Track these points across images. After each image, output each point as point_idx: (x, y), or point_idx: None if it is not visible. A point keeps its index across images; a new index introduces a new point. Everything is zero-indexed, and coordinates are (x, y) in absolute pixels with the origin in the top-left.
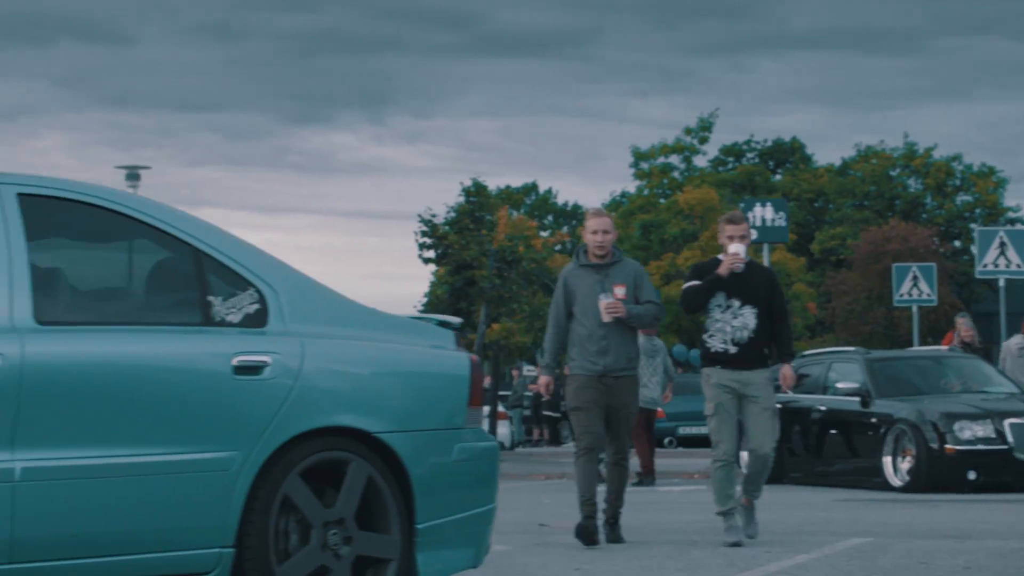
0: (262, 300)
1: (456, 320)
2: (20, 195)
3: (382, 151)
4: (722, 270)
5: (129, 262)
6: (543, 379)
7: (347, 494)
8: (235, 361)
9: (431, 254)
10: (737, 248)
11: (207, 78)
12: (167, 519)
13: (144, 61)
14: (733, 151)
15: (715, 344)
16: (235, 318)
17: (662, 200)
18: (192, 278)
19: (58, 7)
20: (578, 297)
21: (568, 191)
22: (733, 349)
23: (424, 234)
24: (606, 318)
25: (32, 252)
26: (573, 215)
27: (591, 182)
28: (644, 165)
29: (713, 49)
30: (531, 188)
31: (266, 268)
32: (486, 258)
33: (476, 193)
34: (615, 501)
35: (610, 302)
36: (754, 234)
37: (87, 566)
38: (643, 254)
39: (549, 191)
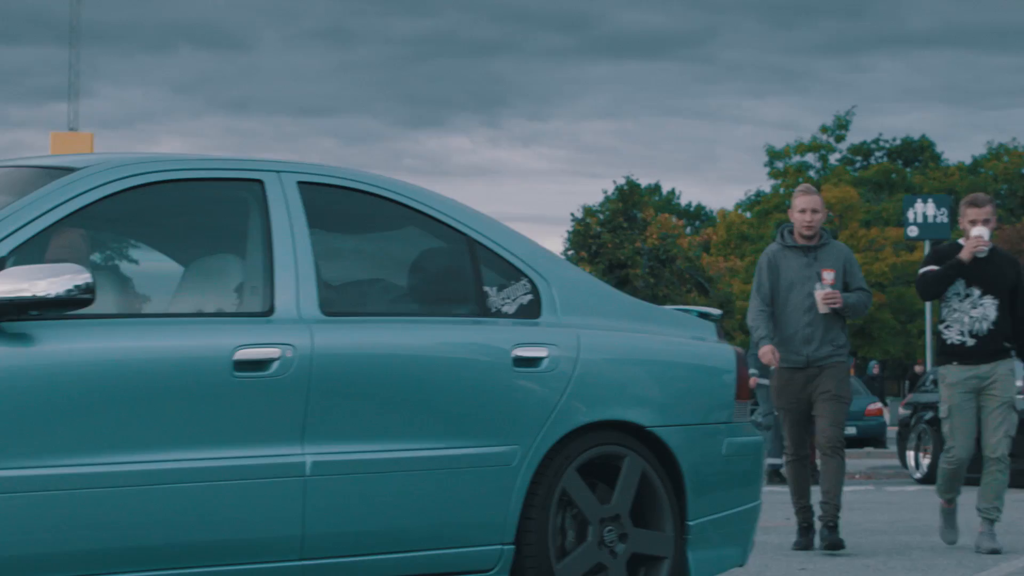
0: (535, 291)
1: (716, 312)
2: (300, 184)
3: (497, 154)
4: (964, 255)
5: (406, 251)
6: (765, 348)
7: (622, 490)
8: (515, 353)
9: (582, 253)
10: (980, 231)
11: (323, 83)
12: (451, 515)
13: (261, 67)
14: (861, 150)
15: (951, 336)
16: (510, 309)
17: None
18: (467, 268)
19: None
20: (783, 281)
21: (685, 192)
22: (971, 341)
23: (578, 233)
24: (823, 309)
25: (315, 241)
26: (697, 215)
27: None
28: (779, 164)
29: (831, 49)
30: (654, 189)
31: (537, 258)
32: (640, 257)
33: (630, 192)
34: (833, 499)
35: (827, 292)
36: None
37: (374, 563)
38: None
39: (672, 191)
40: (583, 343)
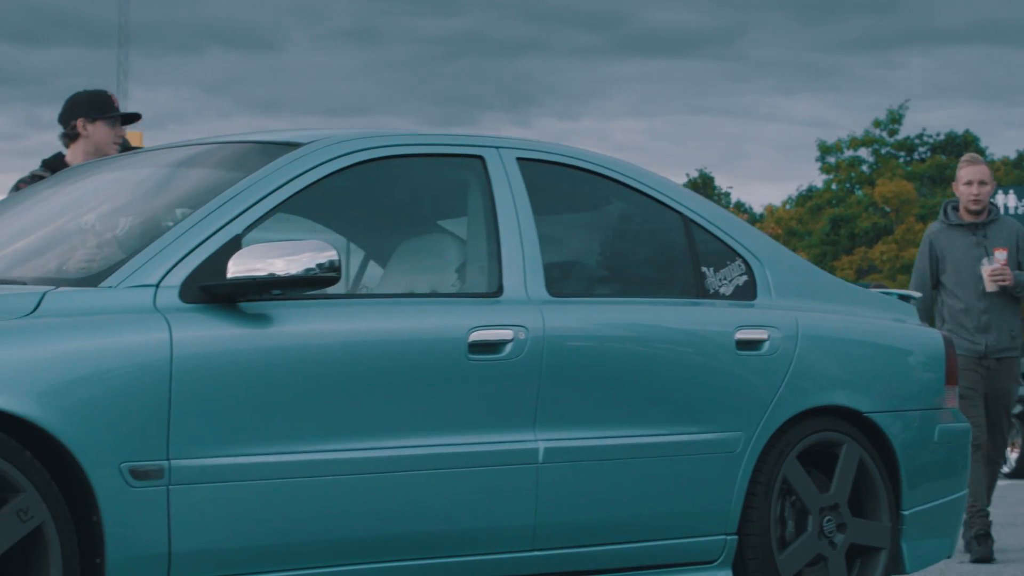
0: (749, 272)
1: (916, 294)
2: (519, 160)
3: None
4: (988, 287)
5: (624, 230)
6: None
7: (840, 478)
8: (738, 336)
9: None
10: (996, 262)
11: (352, 83)
12: (676, 504)
13: (290, 67)
14: (905, 145)
15: None
16: (727, 291)
17: (857, 192)
18: (685, 248)
19: (207, 15)
20: (949, 263)
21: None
22: None
23: None
24: (990, 287)
25: (537, 220)
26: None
27: (738, 180)
28: (830, 159)
29: (861, 45)
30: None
31: (749, 239)
32: None
33: (703, 184)
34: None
35: (995, 267)
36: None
37: (601, 554)
38: (832, 248)
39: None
40: (801, 326)
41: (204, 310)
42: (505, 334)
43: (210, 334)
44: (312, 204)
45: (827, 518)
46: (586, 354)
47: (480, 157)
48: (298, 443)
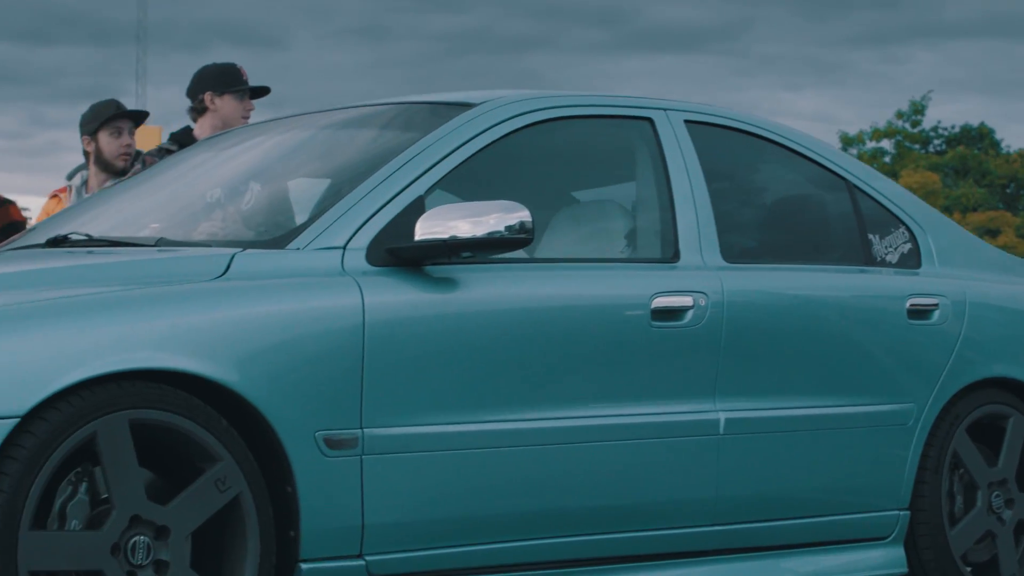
0: (913, 239)
1: None
2: (687, 123)
3: None
4: None
5: (792, 195)
6: None
7: (1008, 452)
8: (909, 304)
9: None
10: None
11: (358, 81)
12: (850, 478)
13: (296, 64)
14: (919, 138)
15: None
16: (893, 258)
17: None
18: (851, 215)
19: (213, 13)
20: None
21: None
22: None
23: None
24: None
25: (708, 184)
26: None
27: None
28: (852, 151)
29: (866, 40)
30: None
31: (912, 206)
32: None
33: None
34: None
35: None
36: None
37: (778, 529)
38: None
39: None
40: (969, 295)
41: (391, 273)
42: (686, 301)
43: (400, 298)
44: (484, 166)
45: (995, 493)
46: (764, 322)
47: (649, 119)
48: (486, 412)
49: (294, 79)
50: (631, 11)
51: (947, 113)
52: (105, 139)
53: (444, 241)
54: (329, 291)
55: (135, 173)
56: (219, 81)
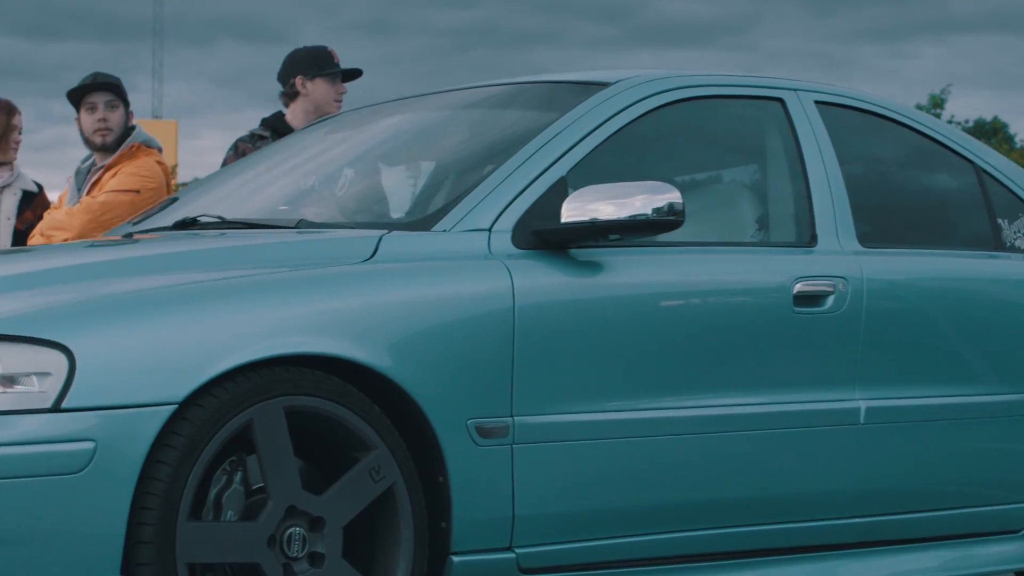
0: None
1: None
2: (817, 103)
3: None
4: None
5: (921, 178)
6: None
7: None
8: None
9: None
10: None
11: (364, 75)
12: (985, 469)
13: None
14: None
15: None
16: (1022, 243)
17: None
18: (980, 199)
19: (218, 8)
20: None
21: None
22: None
23: None
24: None
25: (839, 164)
26: None
27: None
28: None
29: (873, 35)
30: None
31: None
32: None
33: None
34: None
35: None
36: None
37: (915, 522)
38: None
39: None
40: None
41: (536, 256)
42: (826, 286)
43: (548, 282)
44: (617, 147)
45: None
46: (903, 308)
47: (780, 100)
48: (634, 400)
49: None
50: (637, 6)
51: (956, 108)
52: (82, 116)
53: (593, 223)
54: (479, 275)
55: (230, 160)
56: (311, 64)
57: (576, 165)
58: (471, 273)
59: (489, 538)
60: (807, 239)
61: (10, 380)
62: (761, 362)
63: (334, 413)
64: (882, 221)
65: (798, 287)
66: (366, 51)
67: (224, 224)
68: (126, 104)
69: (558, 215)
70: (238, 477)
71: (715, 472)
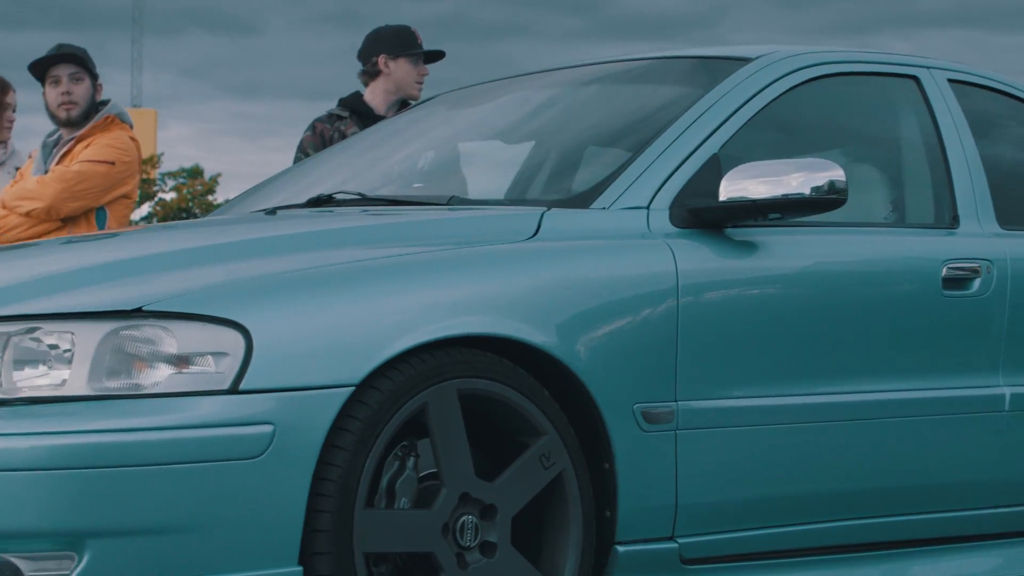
0: None
1: None
2: (950, 82)
3: None
4: None
5: None
6: None
7: None
8: None
9: None
10: None
11: (332, 67)
12: None
13: (270, 51)
14: None
15: None
16: None
17: None
18: None
19: None
20: None
21: None
22: None
23: None
24: None
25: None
26: None
27: None
28: None
29: (839, 30)
30: None
31: None
32: None
33: None
34: None
35: None
36: None
37: None
38: None
39: None
40: None
41: (694, 235)
42: (973, 268)
43: (709, 262)
44: (761, 123)
45: None
46: None
47: (915, 77)
48: (793, 385)
49: (267, 65)
50: None
51: None
52: (47, 90)
53: (753, 202)
54: (644, 254)
55: (307, 141)
56: (394, 44)
57: (728, 141)
58: (636, 252)
59: (652, 528)
60: (949, 221)
61: (185, 360)
62: (910, 347)
63: (506, 397)
64: (1019, 203)
65: (946, 269)
66: (334, 42)
67: (365, 201)
68: (93, 77)
69: (713, 193)
70: (410, 463)
71: (871, 459)
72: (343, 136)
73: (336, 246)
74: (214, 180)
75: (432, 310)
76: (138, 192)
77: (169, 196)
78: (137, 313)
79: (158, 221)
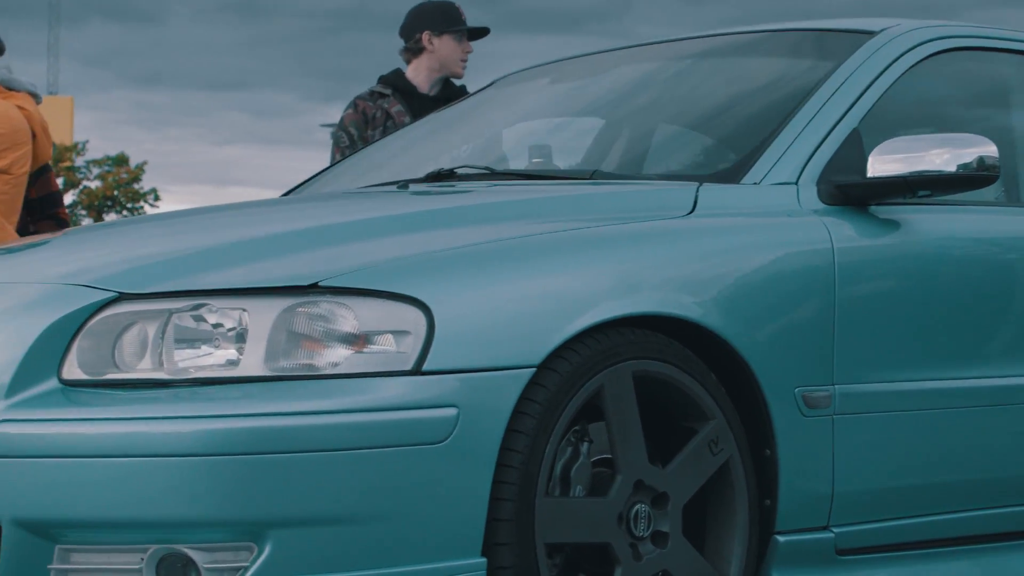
0: None
1: None
2: None
3: None
4: None
5: None
6: None
7: None
8: None
9: None
10: None
11: (234, 57)
12: None
13: (172, 40)
14: None
15: None
16: None
17: None
18: None
19: None
20: None
21: None
22: None
23: None
24: None
25: None
26: None
27: None
28: None
29: (743, 24)
30: None
31: None
32: None
33: None
34: None
35: None
36: None
37: None
38: None
39: None
40: None
41: (841, 213)
42: None
43: (861, 240)
44: (891, 98)
45: None
46: None
47: None
48: (948, 369)
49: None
50: None
51: None
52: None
53: (904, 178)
54: (802, 232)
55: (349, 118)
56: (438, 20)
57: (863, 117)
58: (794, 230)
59: (810, 517)
60: None
61: (365, 339)
62: None
63: (677, 380)
64: None
65: None
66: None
67: (493, 175)
68: None
69: (856, 169)
70: (583, 448)
71: (1012, 447)
72: (386, 114)
73: (498, 220)
74: (140, 168)
75: (608, 287)
76: (29, 170)
77: (94, 184)
78: (313, 289)
79: (83, 209)
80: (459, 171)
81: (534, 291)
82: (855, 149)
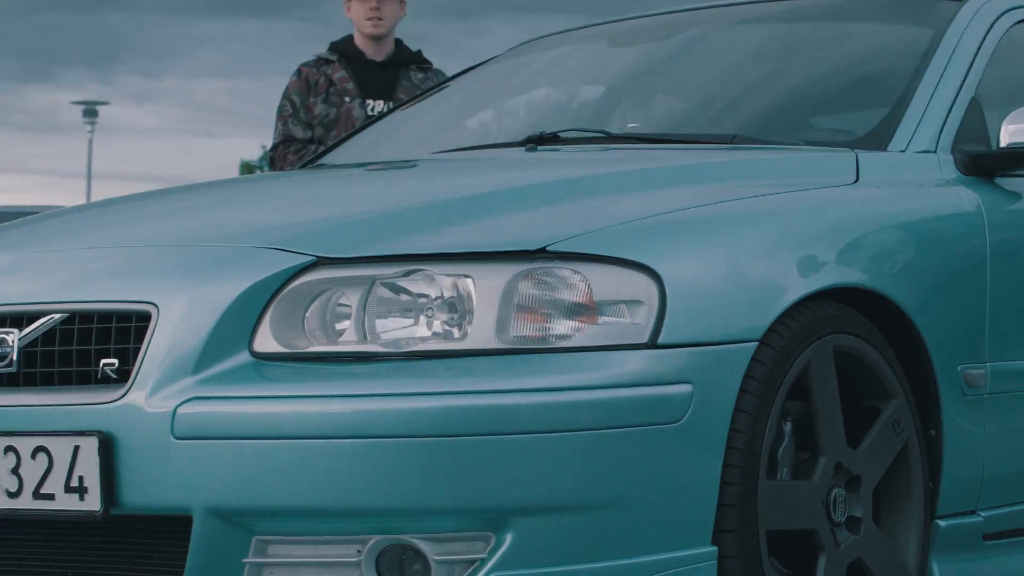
0: None
1: None
2: None
3: (108, 111)
4: None
5: None
6: None
7: None
8: None
9: None
10: None
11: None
12: None
13: None
14: None
15: None
16: None
17: None
18: None
19: None
20: None
21: None
22: None
23: None
24: None
25: None
26: None
27: None
28: None
29: (447, 12)
30: None
31: None
32: None
33: None
34: None
35: None
36: None
37: None
38: None
39: None
40: None
41: (975, 183)
42: None
43: (1005, 210)
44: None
45: None
46: None
47: None
48: None
49: None
50: None
51: None
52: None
53: None
54: (957, 201)
55: (293, 86)
56: None
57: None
58: (951, 199)
59: (963, 500)
60: None
61: (599, 310)
62: None
63: (868, 356)
64: None
65: None
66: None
67: (610, 139)
68: None
69: (980, 138)
70: (787, 428)
71: None
72: (329, 80)
73: (705, 182)
74: None
75: (813, 256)
76: None
77: None
78: (541, 254)
79: None
80: (563, 135)
81: (752, 258)
82: (979, 118)
